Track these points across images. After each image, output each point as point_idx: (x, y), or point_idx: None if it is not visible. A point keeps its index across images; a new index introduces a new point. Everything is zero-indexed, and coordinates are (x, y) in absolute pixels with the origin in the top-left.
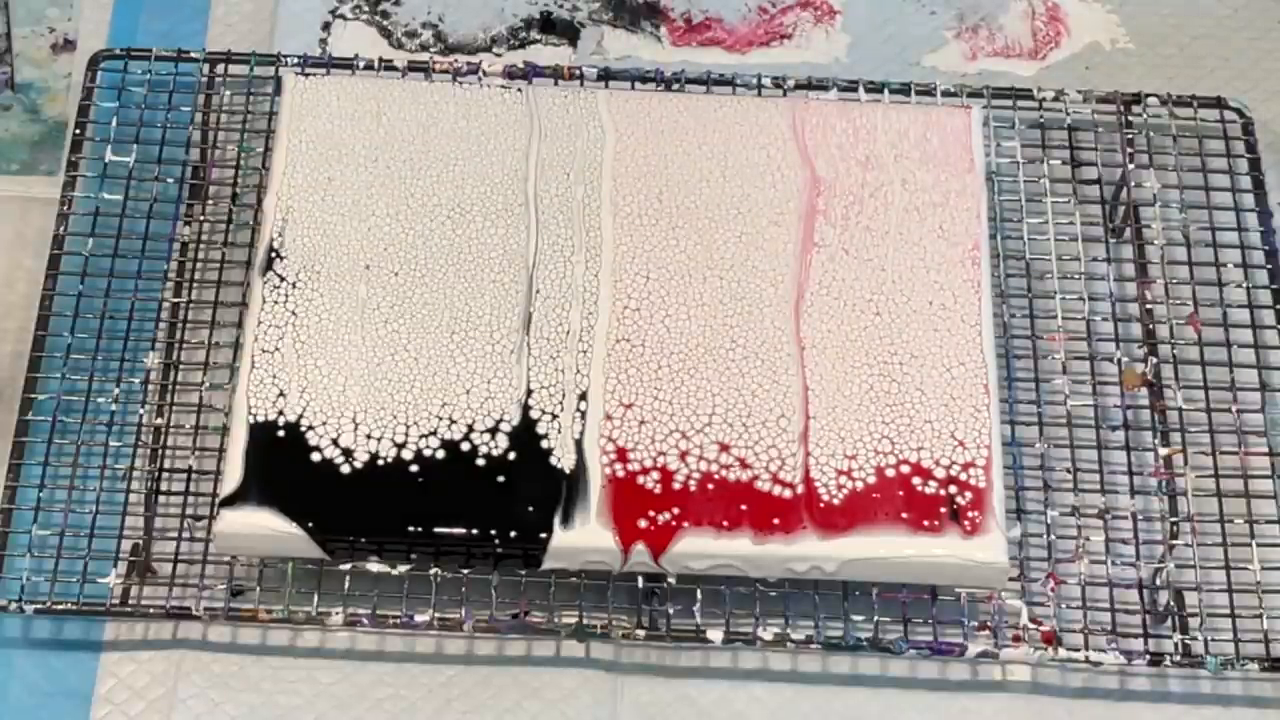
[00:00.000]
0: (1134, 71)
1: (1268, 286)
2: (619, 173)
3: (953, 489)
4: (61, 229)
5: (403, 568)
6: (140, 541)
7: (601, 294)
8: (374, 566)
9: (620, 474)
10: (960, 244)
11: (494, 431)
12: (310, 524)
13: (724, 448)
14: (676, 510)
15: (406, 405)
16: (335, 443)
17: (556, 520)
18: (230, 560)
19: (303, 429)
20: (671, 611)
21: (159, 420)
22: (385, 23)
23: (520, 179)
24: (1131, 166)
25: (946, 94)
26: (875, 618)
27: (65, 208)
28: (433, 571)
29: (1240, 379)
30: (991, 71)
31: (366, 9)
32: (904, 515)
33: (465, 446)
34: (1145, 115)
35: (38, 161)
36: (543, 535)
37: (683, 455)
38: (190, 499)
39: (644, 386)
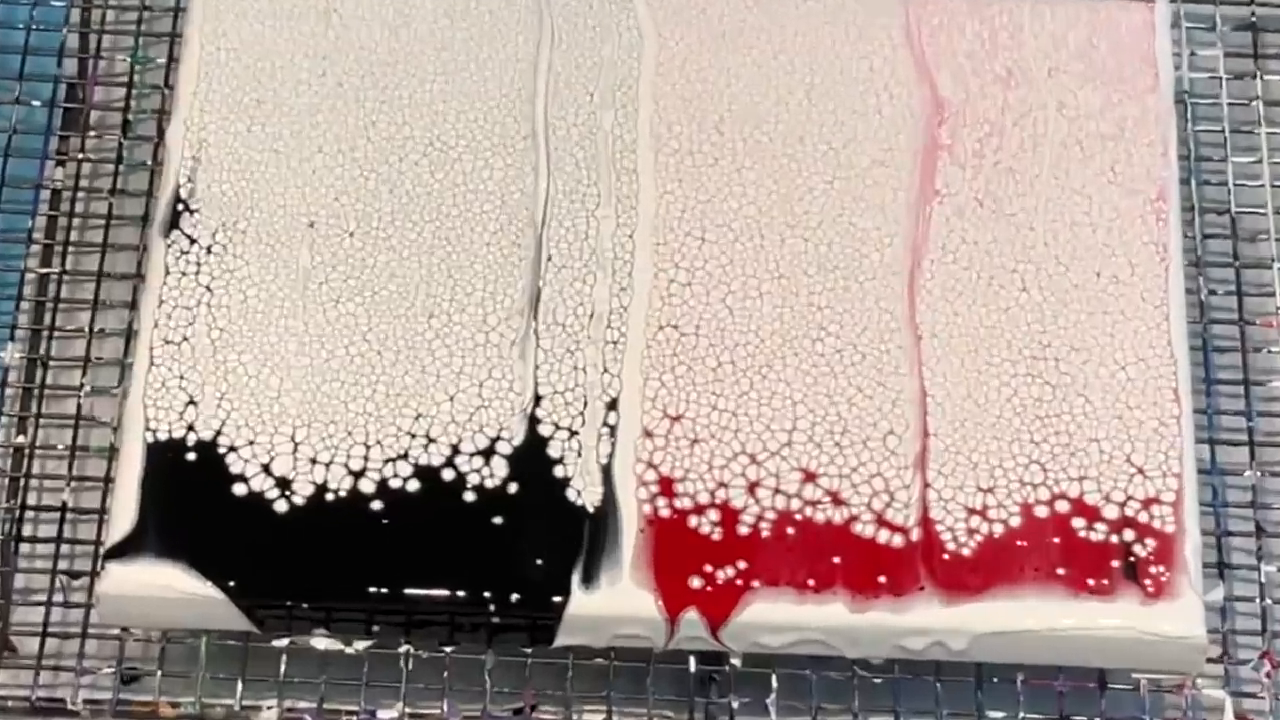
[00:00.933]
0: None
1: None
2: (663, 93)
3: (1129, 535)
4: None
5: (361, 645)
6: None
7: (638, 262)
8: (320, 643)
9: (665, 513)
10: (1140, 192)
11: (488, 454)
12: (232, 583)
13: (809, 476)
14: (743, 564)
15: (366, 417)
16: (267, 470)
17: (575, 578)
18: (120, 634)
19: (221, 451)
20: (736, 705)
21: (20, 439)
22: None
23: (525, 102)
24: None
25: None
26: (1021, 714)
27: None
28: (403, 649)
29: None
30: None
31: None
32: (1060, 571)
33: (448, 475)
34: None
35: None
36: (556, 599)
37: (752, 487)
38: (65, 548)
39: (698, 391)
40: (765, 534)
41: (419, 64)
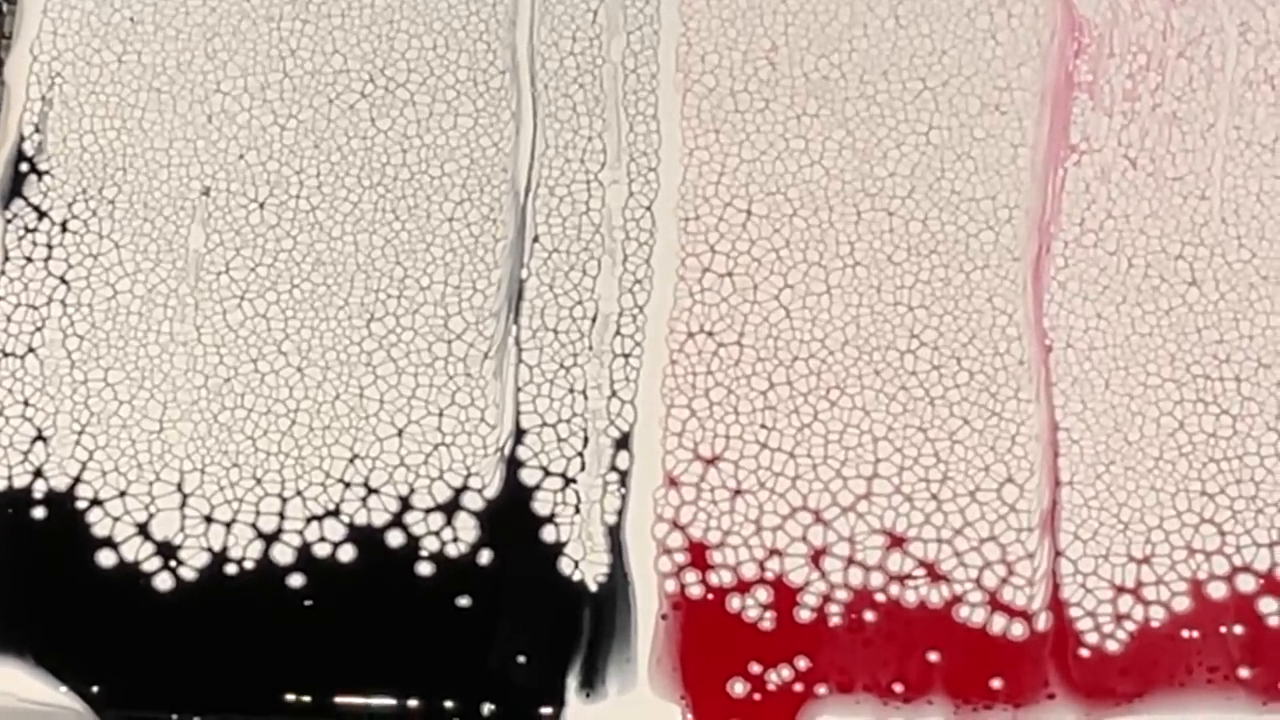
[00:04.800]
0: None
1: None
2: (694, 10)
3: None
4: None
5: None
6: None
7: (659, 245)
8: None
9: (696, 592)
10: None
11: (451, 510)
12: (95, 689)
13: (896, 541)
14: (805, 662)
15: (282, 459)
16: (144, 531)
17: (571, 682)
18: None
19: (81, 505)
20: None
21: None
22: None
23: (504, 22)
24: None
25: None
26: None
27: None
28: None
29: None
30: None
31: None
32: (1244, 674)
33: (395, 539)
34: None
35: None
36: (545, 711)
37: (816, 556)
38: None
39: (741, 424)
40: (835, 621)
41: None
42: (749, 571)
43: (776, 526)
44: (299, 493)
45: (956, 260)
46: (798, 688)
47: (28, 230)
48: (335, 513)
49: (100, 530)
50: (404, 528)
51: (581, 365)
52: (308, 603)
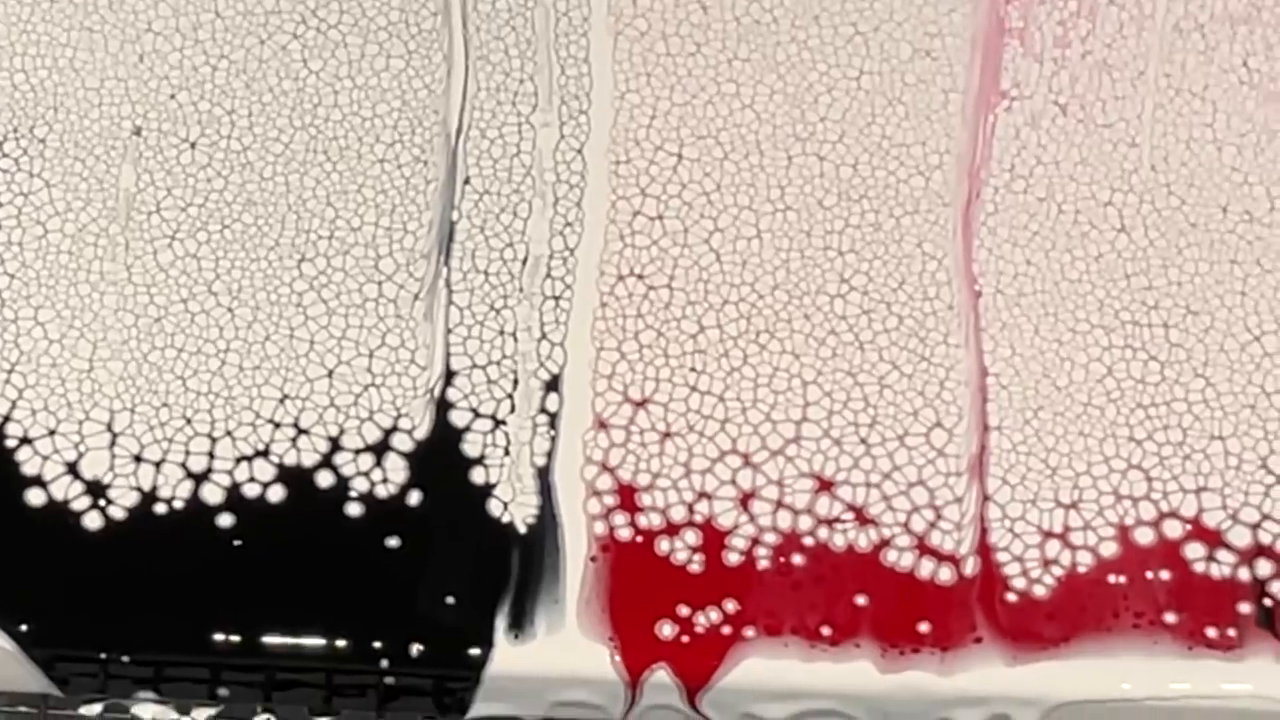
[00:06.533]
0: None
1: None
2: None
3: (1264, 568)
4: None
5: (203, 714)
6: None
7: (590, 188)
8: (147, 710)
9: (625, 535)
10: None
11: (380, 451)
12: (24, 627)
13: (824, 485)
14: (733, 605)
15: (212, 398)
16: (73, 470)
17: (500, 623)
18: None
19: (10, 444)
20: None
21: None
22: None
23: None
24: None
25: None
26: None
27: None
28: None
29: None
30: None
31: None
32: (1170, 619)
33: (325, 479)
34: None
35: None
36: (474, 652)
37: (745, 499)
38: None
39: (671, 366)
40: (763, 564)
41: None
42: (678, 514)
43: (705, 469)
44: (229, 433)
45: (887, 205)
46: (726, 630)
47: None
48: (265, 453)
49: (29, 469)
50: (333, 468)
51: (512, 307)
52: (237, 542)
